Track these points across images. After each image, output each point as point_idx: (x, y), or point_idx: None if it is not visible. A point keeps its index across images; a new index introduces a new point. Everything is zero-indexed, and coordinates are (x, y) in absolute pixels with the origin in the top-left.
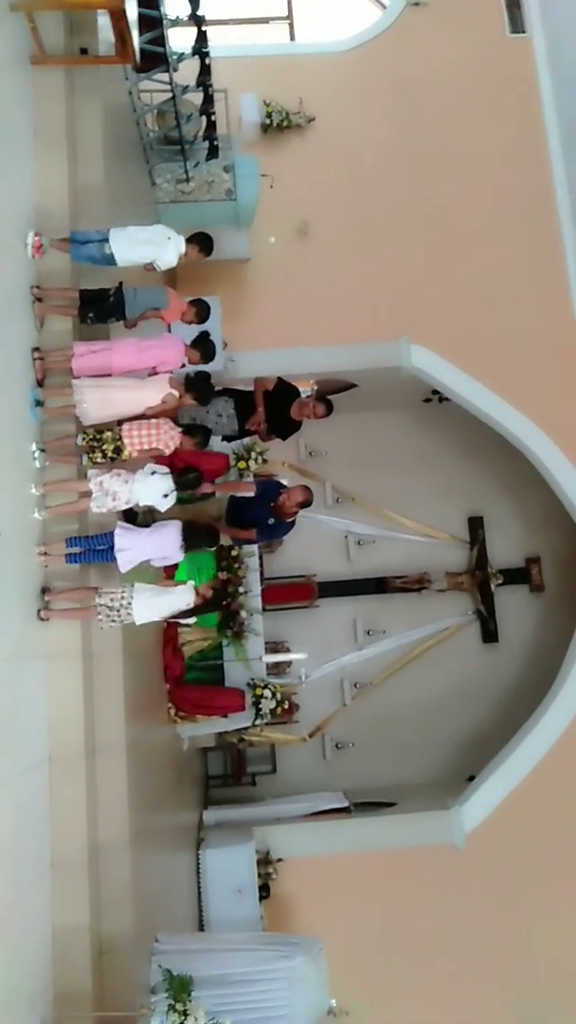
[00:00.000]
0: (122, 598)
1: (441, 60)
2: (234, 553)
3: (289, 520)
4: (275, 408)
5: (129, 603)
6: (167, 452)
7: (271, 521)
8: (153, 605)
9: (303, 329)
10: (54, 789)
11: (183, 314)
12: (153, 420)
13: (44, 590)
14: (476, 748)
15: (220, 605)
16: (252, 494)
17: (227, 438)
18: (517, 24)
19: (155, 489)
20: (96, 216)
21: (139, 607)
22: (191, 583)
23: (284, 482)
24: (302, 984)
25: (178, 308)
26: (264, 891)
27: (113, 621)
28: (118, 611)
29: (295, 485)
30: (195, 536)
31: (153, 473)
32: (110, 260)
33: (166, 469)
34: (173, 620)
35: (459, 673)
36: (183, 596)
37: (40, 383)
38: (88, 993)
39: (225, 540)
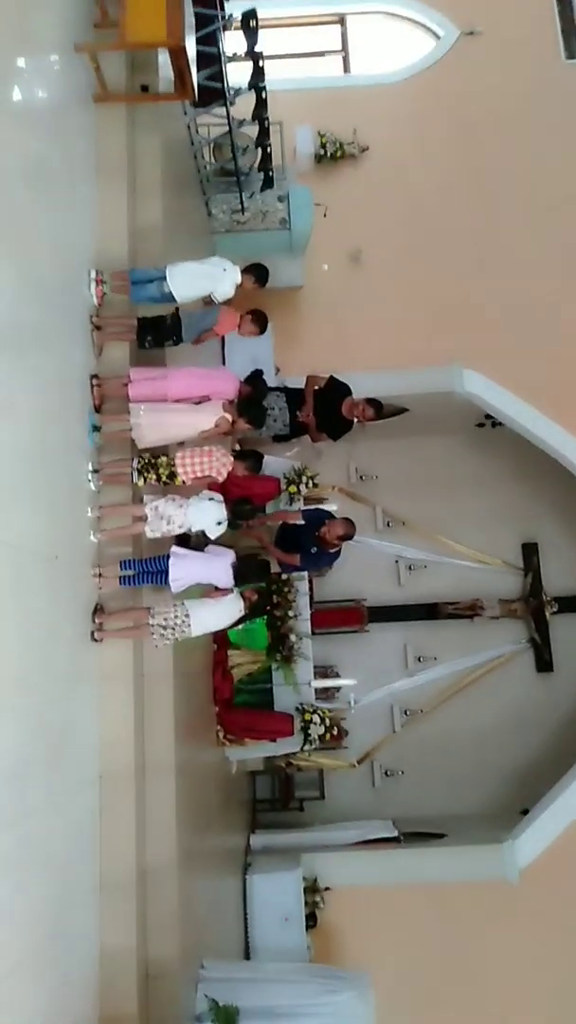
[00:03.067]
0: (175, 617)
1: (496, 88)
2: (284, 577)
3: (332, 551)
4: (325, 404)
5: (183, 620)
6: (220, 479)
7: (314, 550)
8: (208, 618)
9: (356, 355)
10: (104, 808)
11: (239, 326)
12: (206, 447)
13: (96, 611)
14: (530, 780)
15: (264, 610)
16: (301, 522)
17: (279, 438)
18: (574, 50)
19: (209, 515)
20: (155, 247)
21: (196, 622)
22: (236, 590)
23: (332, 509)
24: (349, 1019)
25: (230, 321)
26: (311, 920)
27: (167, 640)
28: (173, 629)
29: (339, 518)
30: (246, 571)
31: (210, 499)
32: (169, 298)
33: (221, 497)
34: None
35: (512, 702)
36: (233, 606)
37: (98, 409)
38: (135, 1018)
39: (273, 566)
